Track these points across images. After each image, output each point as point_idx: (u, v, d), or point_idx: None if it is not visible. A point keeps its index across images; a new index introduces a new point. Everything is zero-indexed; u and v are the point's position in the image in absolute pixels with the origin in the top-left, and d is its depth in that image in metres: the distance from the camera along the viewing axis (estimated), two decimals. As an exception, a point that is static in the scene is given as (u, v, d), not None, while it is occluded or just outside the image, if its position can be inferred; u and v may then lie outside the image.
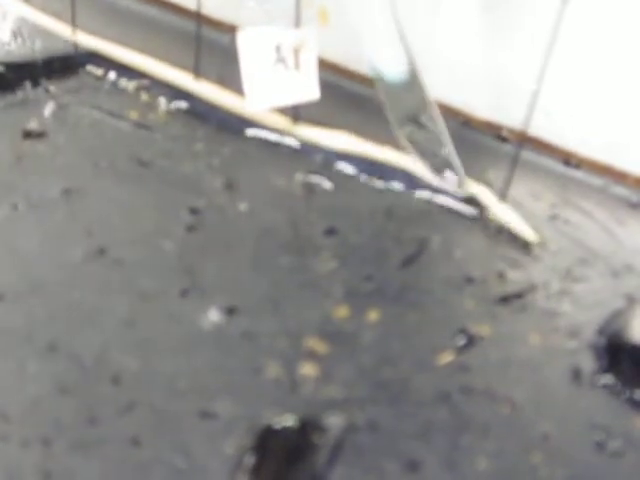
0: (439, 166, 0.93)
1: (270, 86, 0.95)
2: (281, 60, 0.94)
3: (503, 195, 0.90)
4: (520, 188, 0.98)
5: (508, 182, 0.89)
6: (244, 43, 0.92)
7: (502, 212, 0.91)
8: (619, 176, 0.99)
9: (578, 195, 0.98)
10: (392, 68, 0.93)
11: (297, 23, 0.96)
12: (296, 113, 0.99)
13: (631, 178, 0.99)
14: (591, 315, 0.80)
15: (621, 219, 0.94)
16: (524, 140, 0.97)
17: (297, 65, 0.95)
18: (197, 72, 1.02)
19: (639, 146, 0.98)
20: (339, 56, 1.14)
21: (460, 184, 0.91)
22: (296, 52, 0.96)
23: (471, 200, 0.92)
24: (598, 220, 0.93)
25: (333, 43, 1.12)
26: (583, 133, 1.00)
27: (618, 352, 0.78)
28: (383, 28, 0.92)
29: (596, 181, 1.00)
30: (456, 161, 0.92)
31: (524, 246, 0.89)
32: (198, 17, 1.03)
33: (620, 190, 0.99)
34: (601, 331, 0.80)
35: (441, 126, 0.93)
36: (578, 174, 1.01)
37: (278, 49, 0.94)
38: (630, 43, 0.92)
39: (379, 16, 0.91)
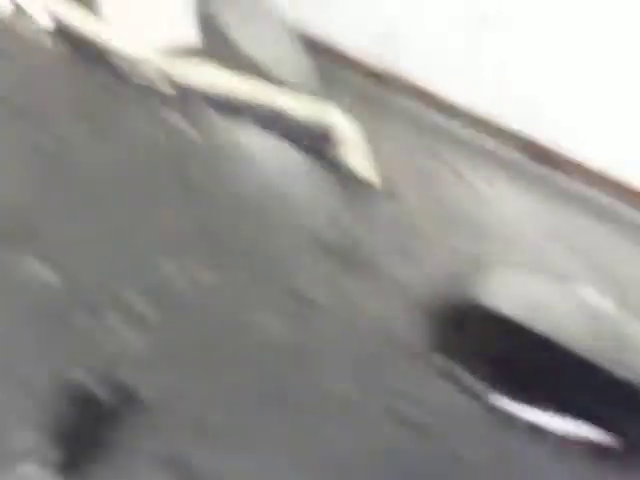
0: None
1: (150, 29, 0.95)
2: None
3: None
4: (388, 134, 0.98)
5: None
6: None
7: (357, 153, 0.90)
8: (495, 131, 0.99)
9: (446, 147, 0.99)
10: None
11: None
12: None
13: (507, 133, 1.00)
14: (431, 279, 0.81)
15: (489, 178, 0.95)
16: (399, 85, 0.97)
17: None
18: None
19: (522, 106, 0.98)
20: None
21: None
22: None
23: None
24: (462, 176, 0.94)
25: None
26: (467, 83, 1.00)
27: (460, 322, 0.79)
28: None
29: (468, 134, 1.00)
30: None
31: (371, 194, 0.89)
32: None
33: (494, 146, 0.99)
34: (441, 298, 0.80)
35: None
36: (454, 125, 1.02)
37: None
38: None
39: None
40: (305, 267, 0.83)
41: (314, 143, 0.94)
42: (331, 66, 1.05)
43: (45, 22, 1.06)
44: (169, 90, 0.96)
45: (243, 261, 0.82)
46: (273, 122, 0.97)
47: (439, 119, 1.00)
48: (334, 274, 0.81)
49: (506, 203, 0.93)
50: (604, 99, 0.93)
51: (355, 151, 0.89)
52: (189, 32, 0.96)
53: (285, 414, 0.67)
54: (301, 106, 0.96)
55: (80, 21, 1.08)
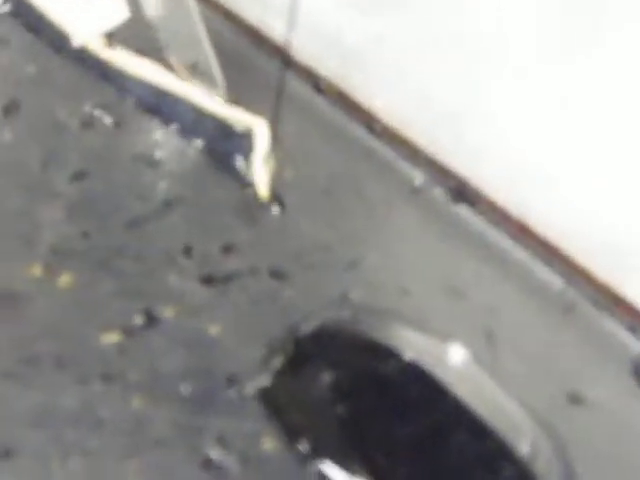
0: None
1: (88, 15, 0.96)
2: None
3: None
4: (311, 148, 0.98)
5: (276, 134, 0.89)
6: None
7: (260, 168, 0.91)
8: (414, 152, 0.98)
9: (365, 169, 0.98)
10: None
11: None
12: (110, 38, 0.99)
13: (423, 155, 0.99)
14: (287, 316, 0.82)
15: (395, 204, 0.94)
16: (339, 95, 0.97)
17: (106, -8, 0.95)
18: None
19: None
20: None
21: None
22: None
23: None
24: (368, 201, 0.93)
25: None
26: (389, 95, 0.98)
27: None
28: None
29: (391, 156, 0.99)
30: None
31: (263, 215, 0.90)
32: None
33: (411, 171, 0.99)
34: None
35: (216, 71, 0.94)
36: (377, 144, 1.01)
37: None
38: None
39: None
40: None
41: (228, 144, 0.93)
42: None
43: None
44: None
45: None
46: (194, 120, 0.97)
47: (361, 133, 0.99)
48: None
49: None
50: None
51: (261, 162, 0.89)
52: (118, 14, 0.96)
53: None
54: (222, 108, 0.95)
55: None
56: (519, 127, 0.97)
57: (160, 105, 1.06)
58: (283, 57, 0.92)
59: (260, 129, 1.00)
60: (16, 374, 0.81)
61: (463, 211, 1.01)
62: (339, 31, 1.09)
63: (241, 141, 1.01)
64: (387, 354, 0.90)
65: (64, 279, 0.90)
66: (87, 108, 1.06)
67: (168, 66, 1.04)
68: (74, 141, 1.03)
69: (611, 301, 0.96)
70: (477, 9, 0.95)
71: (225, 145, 1.01)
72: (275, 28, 1.10)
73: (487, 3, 0.94)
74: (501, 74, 0.95)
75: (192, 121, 1.03)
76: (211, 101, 1.01)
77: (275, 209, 0.98)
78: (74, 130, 1.04)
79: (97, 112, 1.06)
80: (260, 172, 0.99)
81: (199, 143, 1.03)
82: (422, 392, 0.89)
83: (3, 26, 1.15)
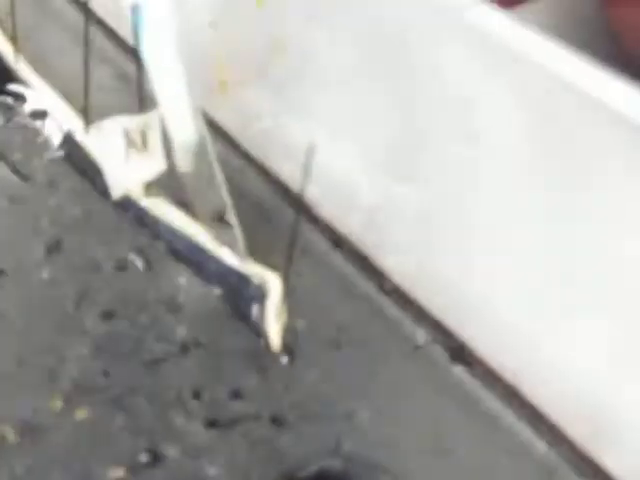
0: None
1: (127, 170, 1.06)
2: (131, 144, 1.04)
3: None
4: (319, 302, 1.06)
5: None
6: (96, 138, 1.02)
7: (272, 320, 0.98)
8: (419, 312, 1.05)
9: (373, 325, 1.05)
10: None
11: (141, 108, 1.06)
12: (148, 187, 1.09)
13: (427, 316, 1.05)
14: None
15: (397, 360, 1.01)
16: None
17: (145, 145, 1.05)
18: (87, 119, 1.12)
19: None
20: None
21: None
22: (143, 134, 1.06)
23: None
24: (372, 356, 1.00)
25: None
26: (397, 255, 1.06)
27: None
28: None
29: (398, 314, 1.06)
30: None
31: (273, 364, 0.98)
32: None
33: (415, 329, 1.05)
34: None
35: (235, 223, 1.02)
36: (386, 302, 1.08)
37: (127, 134, 1.04)
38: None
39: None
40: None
41: (245, 294, 1.02)
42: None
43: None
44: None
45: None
46: (216, 269, 1.05)
47: (372, 290, 1.07)
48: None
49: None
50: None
51: (273, 314, 0.98)
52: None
53: None
54: (239, 259, 1.04)
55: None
56: (512, 296, 1.04)
57: (186, 252, 1.15)
58: (298, 209, 1.00)
59: (273, 283, 1.07)
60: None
61: (459, 371, 1.07)
62: (356, 190, 1.18)
63: (258, 291, 1.09)
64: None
65: (80, 413, 0.97)
66: (122, 251, 1.16)
67: (195, 216, 1.14)
68: (107, 282, 1.12)
69: (590, 469, 1.00)
70: (480, 201, 1.03)
71: (243, 295, 1.09)
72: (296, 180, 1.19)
73: (493, 192, 1.02)
74: (500, 251, 1.03)
75: (214, 269, 1.12)
76: (230, 252, 1.10)
77: (284, 359, 1.05)
78: (108, 271, 1.13)
79: (131, 255, 1.15)
80: (272, 323, 1.06)
81: (219, 291, 1.11)
82: None
83: (56, 169, 1.25)
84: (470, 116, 1.00)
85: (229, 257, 1.08)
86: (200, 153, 1.09)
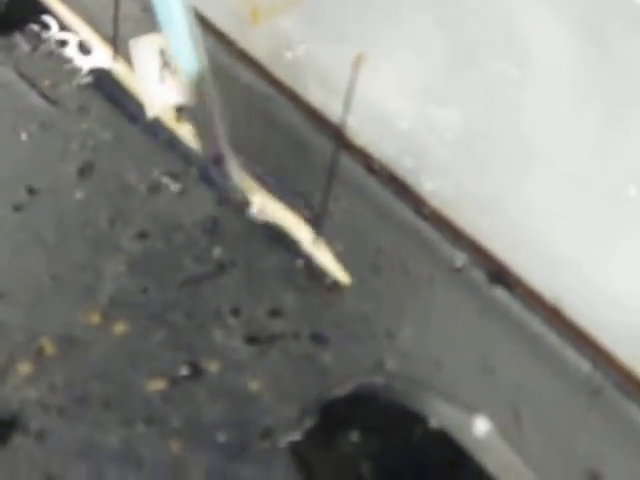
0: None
1: (161, 90, 1.04)
2: (165, 64, 1.02)
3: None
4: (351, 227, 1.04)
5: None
6: (136, 51, 0.99)
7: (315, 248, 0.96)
8: (458, 235, 1.03)
9: (411, 248, 1.03)
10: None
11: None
12: (179, 112, 1.07)
13: (466, 239, 1.04)
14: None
15: (437, 282, 1.00)
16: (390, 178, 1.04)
17: (177, 68, 1.03)
18: (116, 48, 1.10)
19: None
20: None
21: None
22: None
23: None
24: (411, 278, 0.99)
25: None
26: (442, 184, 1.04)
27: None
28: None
29: (436, 237, 1.04)
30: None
31: (311, 285, 0.96)
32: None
33: (454, 252, 1.04)
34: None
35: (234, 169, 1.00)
36: (423, 226, 1.06)
37: (162, 54, 1.02)
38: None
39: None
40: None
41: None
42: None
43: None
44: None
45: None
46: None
47: (409, 214, 1.05)
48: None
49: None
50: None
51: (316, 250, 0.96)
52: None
53: None
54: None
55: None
56: (555, 220, 1.02)
57: (217, 179, 1.12)
58: (338, 138, 0.98)
59: (301, 230, 1.06)
60: (67, 410, 0.86)
61: (500, 293, 1.06)
62: (394, 116, 1.16)
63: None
64: (415, 420, 0.94)
65: (119, 328, 0.95)
66: (155, 174, 1.13)
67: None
68: (140, 203, 1.10)
69: (636, 389, 0.99)
70: (525, 123, 1.01)
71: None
72: (334, 111, 1.17)
73: (540, 107, 1.00)
74: (540, 171, 1.01)
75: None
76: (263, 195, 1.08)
77: (326, 280, 1.03)
78: (141, 193, 1.11)
79: (164, 179, 1.13)
80: (323, 258, 1.04)
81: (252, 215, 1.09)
82: (446, 458, 0.92)
83: (85, 96, 1.23)
84: (519, 35, 0.98)
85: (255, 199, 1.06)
86: (201, 85, 1.06)
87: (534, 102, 1.00)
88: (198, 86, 1.05)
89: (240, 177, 1.09)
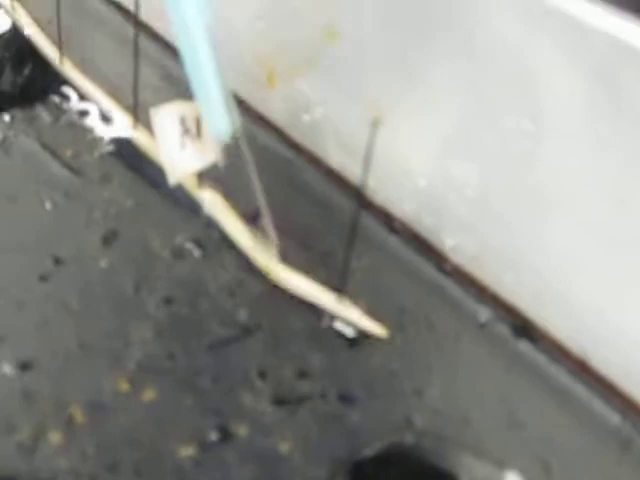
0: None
1: (182, 157, 1.05)
2: (186, 131, 1.03)
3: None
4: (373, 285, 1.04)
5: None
6: (157, 120, 1.01)
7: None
8: (481, 290, 1.04)
9: (435, 305, 1.03)
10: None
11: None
12: (201, 177, 1.08)
13: (489, 293, 1.04)
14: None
15: (462, 338, 1.00)
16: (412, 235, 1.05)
17: (199, 133, 1.04)
18: (136, 116, 1.12)
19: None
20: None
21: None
22: (197, 122, 1.05)
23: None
24: (436, 335, 0.99)
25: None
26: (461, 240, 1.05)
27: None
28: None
29: (459, 293, 1.05)
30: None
31: (337, 345, 0.96)
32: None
33: (478, 307, 1.04)
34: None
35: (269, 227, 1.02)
36: (446, 282, 1.07)
37: (183, 121, 1.03)
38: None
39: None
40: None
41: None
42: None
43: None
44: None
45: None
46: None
47: (432, 271, 1.05)
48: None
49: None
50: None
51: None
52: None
53: None
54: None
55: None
56: (578, 270, 1.02)
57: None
58: (359, 198, 0.99)
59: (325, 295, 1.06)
60: (99, 478, 0.86)
61: (525, 347, 1.05)
62: (413, 175, 1.17)
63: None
64: (445, 478, 0.93)
65: (148, 394, 0.95)
66: (178, 240, 1.14)
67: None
68: (165, 269, 1.10)
69: (668, 439, 0.98)
70: (544, 176, 1.02)
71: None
72: (353, 171, 1.18)
73: (557, 159, 1.01)
74: (560, 223, 1.01)
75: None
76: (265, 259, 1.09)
77: (351, 340, 1.04)
78: (166, 259, 1.12)
79: (187, 244, 1.14)
80: (352, 315, 1.04)
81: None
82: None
83: (107, 164, 1.24)
84: (532, 91, 0.99)
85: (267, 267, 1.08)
86: (234, 147, 1.08)
87: (550, 154, 1.01)
88: (234, 147, 1.07)
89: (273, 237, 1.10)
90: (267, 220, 1.09)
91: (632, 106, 0.97)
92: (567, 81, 1.00)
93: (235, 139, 1.11)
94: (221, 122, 1.15)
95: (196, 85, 1.11)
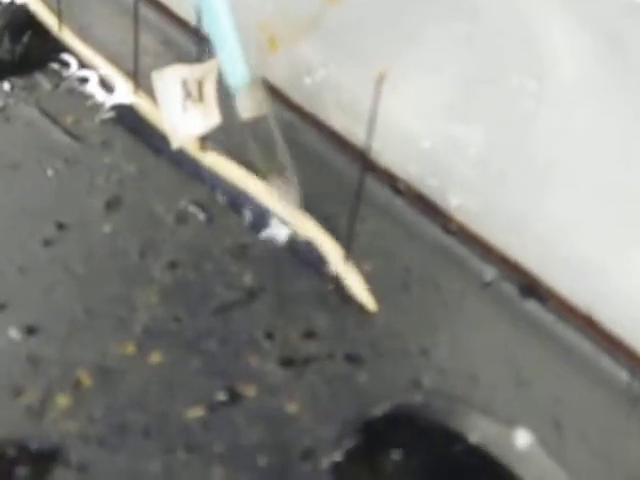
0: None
1: (184, 121, 1.04)
2: (188, 94, 1.02)
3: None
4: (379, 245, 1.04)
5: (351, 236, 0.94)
6: (159, 83, 1.00)
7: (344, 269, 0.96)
8: (486, 249, 1.03)
9: (440, 265, 1.03)
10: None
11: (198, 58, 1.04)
12: (204, 141, 1.07)
13: (495, 253, 1.03)
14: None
15: (468, 297, 0.99)
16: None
17: (201, 97, 1.03)
18: (137, 82, 1.11)
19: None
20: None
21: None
22: (199, 85, 1.04)
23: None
24: (442, 294, 0.98)
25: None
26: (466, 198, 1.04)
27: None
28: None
29: (464, 252, 1.04)
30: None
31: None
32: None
33: (483, 267, 1.03)
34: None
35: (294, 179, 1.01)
36: (451, 242, 1.06)
37: (185, 84, 1.02)
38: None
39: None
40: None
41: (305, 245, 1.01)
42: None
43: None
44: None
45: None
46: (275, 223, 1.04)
47: (437, 231, 1.04)
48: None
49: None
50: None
51: (344, 271, 0.96)
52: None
53: None
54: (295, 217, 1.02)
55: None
56: (581, 229, 1.02)
57: (245, 205, 1.12)
58: (363, 160, 0.97)
59: (328, 246, 1.05)
60: (107, 441, 0.85)
61: (532, 305, 1.05)
62: (416, 136, 1.16)
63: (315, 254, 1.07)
64: (454, 437, 0.93)
65: (154, 357, 0.95)
66: (182, 205, 1.13)
67: (253, 169, 1.12)
68: (169, 234, 1.10)
69: (677, 396, 0.98)
70: (547, 134, 1.01)
71: (303, 245, 1.06)
72: (357, 134, 1.17)
73: (554, 122, 1.00)
74: (563, 182, 1.00)
75: (273, 224, 1.10)
76: (286, 209, 1.08)
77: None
78: (169, 224, 1.11)
79: (191, 208, 1.13)
80: (351, 281, 1.04)
81: (282, 240, 1.09)
82: (487, 475, 0.91)
83: (108, 131, 1.23)
84: (536, 49, 0.98)
85: (286, 216, 1.06)
86: (256, 99, 1.07)
87: (553, 114, 1.00)
88: (255, 98, 1.06)
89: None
90: (291, 171, 1.08)
91: (637, 65, 0.96)
92: (571, 39, 0.99)
93: (257, 85, 1.10)
94: (240, 69, 1.14)
95: (214, 33, 1.10)
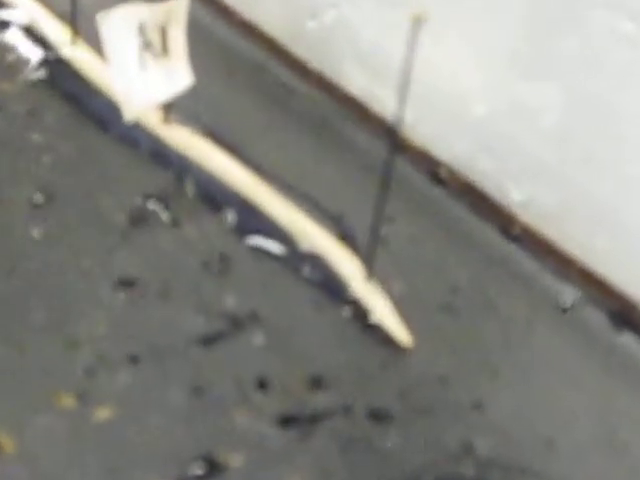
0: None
1: (141, 82, 1.03)
2: (147, 45, 1.01)
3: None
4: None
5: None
6: (106, 29, 0.99)
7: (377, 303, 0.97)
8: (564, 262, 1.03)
9: (498, 282, 1.03)
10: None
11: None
12: (167, 111, 1.07)
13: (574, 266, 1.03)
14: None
15: (537, 327, 0.99)
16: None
17: (165, 48, 1.02)
18: (75, 27, 1.10)
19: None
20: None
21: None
22: (163, 31, 1.03)
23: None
24: (501, 323, 0.98)
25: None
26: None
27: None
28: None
29: (532, 265, 1.04)
30: None
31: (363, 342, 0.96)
32: None
33: (559, 286, 1.03)
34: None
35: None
36: (514, 250, 1.05)
37: (143, 30, 1.01)
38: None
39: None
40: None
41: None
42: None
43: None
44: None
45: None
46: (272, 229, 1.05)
47: (493, 235, 1.05)
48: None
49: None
50: None
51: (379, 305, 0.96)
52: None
53: None
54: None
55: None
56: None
57: (226, 201, 1.11)
58: (392, 137, 0.96)
59: (342, 258, 1.04)
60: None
61: (627, 339, 1.04)
62: (465, 101, 1.14)
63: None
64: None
65: (101, 413, 0.93)
66: (138, 200, 1.12)
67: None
68: (121, 240, 1.08)
69: None
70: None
71: (308, 257, 1.06)
72: (382, 101, 1.15)
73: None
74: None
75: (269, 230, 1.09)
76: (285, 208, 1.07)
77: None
78: (121, 227, 1.10)
79: (151, 205, 1.11)
80: (376, 304, 1.02)
81: (277, 250, 1.08)
82: None
83: (37, 96, 1.23)
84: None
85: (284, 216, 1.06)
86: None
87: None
88: None
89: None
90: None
91: None
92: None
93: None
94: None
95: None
